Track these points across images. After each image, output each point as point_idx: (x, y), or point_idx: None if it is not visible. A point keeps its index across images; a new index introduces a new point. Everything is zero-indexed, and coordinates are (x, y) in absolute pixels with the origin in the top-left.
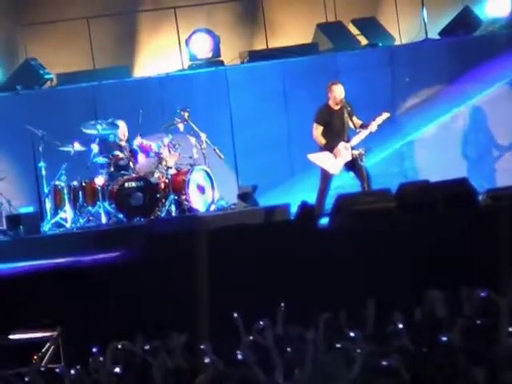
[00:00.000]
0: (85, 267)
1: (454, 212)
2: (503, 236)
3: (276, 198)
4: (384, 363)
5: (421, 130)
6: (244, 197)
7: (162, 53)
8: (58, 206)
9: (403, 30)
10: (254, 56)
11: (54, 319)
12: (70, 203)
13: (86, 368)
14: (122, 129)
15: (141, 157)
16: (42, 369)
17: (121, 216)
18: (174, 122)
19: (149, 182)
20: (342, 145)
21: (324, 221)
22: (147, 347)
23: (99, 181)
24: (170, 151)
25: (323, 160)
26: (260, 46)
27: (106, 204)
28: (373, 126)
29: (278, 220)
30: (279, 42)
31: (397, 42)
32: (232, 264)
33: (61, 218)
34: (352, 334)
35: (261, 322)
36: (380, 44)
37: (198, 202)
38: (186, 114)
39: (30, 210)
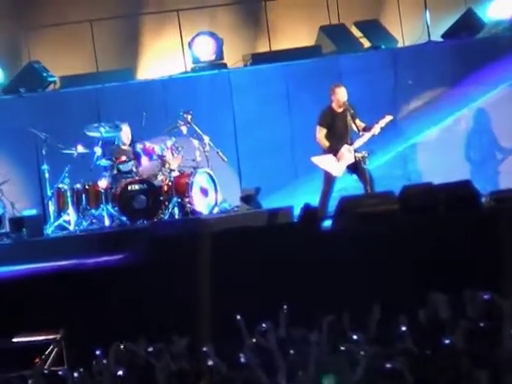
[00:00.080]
0: (88, 270)
1: (457, 214)
2: (506, 238)
3: (279, 200)
4: (388, 365)
5: (424, 133)
6: (247, 199)
7: (165, 55)
8: (61, 209)
9: (406, 33)
10: (257, 59)
11: (57, 322)
12: (73, 206)
13: (90, 371)
14: (126, 132)
15: (144, 160)
16: (45, 371)
17: (124, 219)
18: (177, 124)
19: (152, 185)
20: (345, 147)
21: (327, 223)
22: (151, 349)
23: (102, 183)
24: (173, 154)
25: (326, 162)
26: (263, 48)
27: (110, 207)
28: (376, 129)
29: (281, 222)
30: (282, 44)
31: (400, 45)
32: (235, 266)
33: (64, 221)
34: (355, 337)
35: (263, 325)
36: (383, 46)
37: (201, 204)
38: (189, 117)
39: (33, 212)
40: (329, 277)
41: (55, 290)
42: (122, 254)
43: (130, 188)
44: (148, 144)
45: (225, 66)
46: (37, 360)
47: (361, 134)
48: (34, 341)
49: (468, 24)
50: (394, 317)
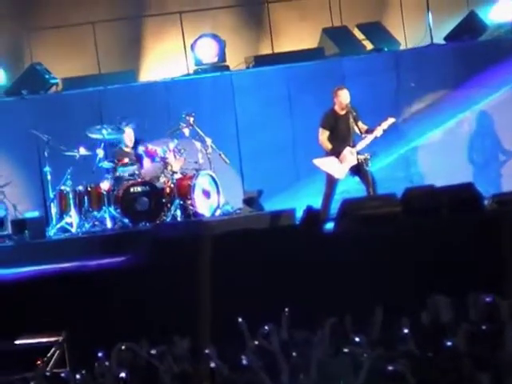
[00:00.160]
0: (90, 272)
1: (459, 217)
2: (509, 241)
3: (281, 202)
4: (390, 368)
5: (426, 135)
6: (249, 201)
7: (167, 57)
8: (63, 211)
9: (408, 35)
10: (260, 61)
11: (59, 324)
12: (76, 208)
13: (92, 373)
14: (129, 134)
15: (146, 162)
16: (48, 374)
17: (126, 221)
18: (179, 126)
19: (154, 187)
20: (347, 150)
21: (329, 225)
22: (153, 352)
23: (105, 185)
24: (175, 156)
25: (329, 165)
26: (265, 50)
27: (112, 209)
28: (378, 131)
29: (284, 225)
30: (285, 46)
31: (402, 47)
32: (237, 269)
33: (66, 223)
34: (357, 339)
35: (266, 327)
36: (385, 49)
37: (204, 206)
38: (192, 119)
39: (36, 214)
40: (331, 279)
41: (57, 292)
42: (124, 256)
43: (132, 190)
44: (150, 146)
45: (227, 68)
46: (39, 362)
47: (363, 136)
48: (37, 343)
49: (470, 27)
50: (397, 319)
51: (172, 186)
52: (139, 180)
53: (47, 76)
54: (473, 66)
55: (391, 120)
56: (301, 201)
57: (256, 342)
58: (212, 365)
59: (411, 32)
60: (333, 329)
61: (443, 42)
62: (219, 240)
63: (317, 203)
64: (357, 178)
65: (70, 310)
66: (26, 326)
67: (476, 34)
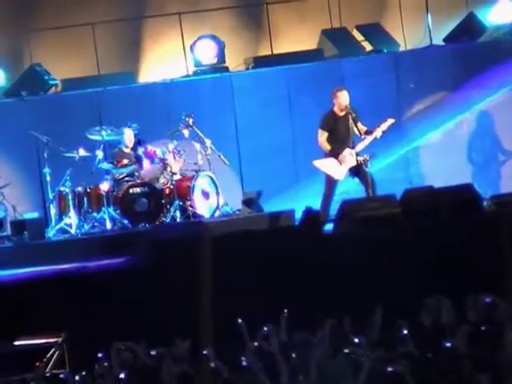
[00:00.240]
0: (90, 273)
1: (458, 218)
2: (508, 242)
3: (281, 203)
4: (389, 369)
5: (426, 136)
6: (249, 203)
7: (166, 59)
8: (62, 212)
9: (408, 36)
10: (259, 62)
11: (59, 325)
12: (75, 209)
13: (91, 373)
14: (128, 135)
15: (146, 163)
16: (47, 374)
17: (125, 222)
18: (178, 127)
19: (154, 188)
20: (347, 151)
21: (329, 227)
22: (153, 353)
23: (104, 187)
24: (174, 157)
25: (328, 166)
26: (265, 51)
27: (111, 210)
28: (377, 132)
29: (283, 226)
30: (284, 48)
31: (401, 48)
32: (236, 270)
33: (65, 224)
34: (357, 340)
35: (265, 328)
36: (385, 50)
37: (203, 207)
38: (191, 120)
39: (35, 215)
40: (330, 280)
41: (57, 293)
42: (124, 257)
43: (131, 191)
44: (150, 147)
45: (226, 69)
46: (38, 363)
47: (362, 137)
48: (36, 344)
49: (469, 28)
50: (396, 320)
51: (171, 187)
52: (139, 181)
53: (47, 77)
54: (472, 67)
55: (390, 121)
56: (300, 202)
57: (256, 343)
58: (212, 366)
59: (410, 33)
60: (332, 330)
61: (442, 43)
62: (218, 241)
63: (316, 204)
64: (356, 179)
65: (70, 311)
66: (26, 326)
67: (475, 35)
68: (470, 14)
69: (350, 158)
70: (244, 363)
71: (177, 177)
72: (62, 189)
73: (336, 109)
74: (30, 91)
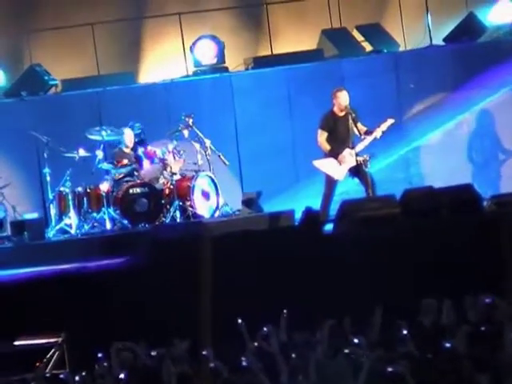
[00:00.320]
0: (89, 273)
1: (458, 218)
2: (507, 242)
3: (281, 204)
4: (389, 369)
5: (426, 137)
6: (248, 203)
7: (166, 59)
8: (62, 212)
9: (408, 37)
10: (259, 62)
11: (59, 325)
12: (75, 209)
13: (91, 374)
14: (128, 135)
15: (146, 163)
16: (47, 375)
17: (125, 222)
18: (178, 128)
19: (153, 188)
20: (346, 151)
21: (328, 227)
22: (153, 353)
23: (104, 187)
24: (174, 157)
25: (328, 166)
26: (265, 52)
27: (111, 210)
28: (377, 133)
29: (283, 226)
30: (284, 48)
31: (401, 49)
32: (236, 270)
33: (65, 224)
34: (357, 341)
35: (265, 329)
36: (385, 50)
37: (203, 208)
38: (191, 120)
39: (35, 216)
40: (330, 280)
41: (57, 293)
42: (124, 257)
43: (131, 191)
44: (150, 147)
45: (226, 69)
46: (38, 363)
47: (362, 137)
48: (36, 344)
49: (469, 28)
50: (396, 320)
51: (171, 187)
52: (138, 181)
53: (46, 77)
54: (472, 67)
55: (390, 121)
56: (300, 202)
57: (255, 344)
58: (211, 366)
59: (410, 33)
60: (332, 330)
61: (442, 43)
62: (218, 241)
63: (316, 204)
64: (356, 180)
65: (70, 312)
66: (26, 327)
67: (475, 35)
68: (469, 14)
69: (349, 158)
70: (244, 363)
71: (177, 177)
72: (61, 189)
73: (336, 109)
74: (30, 91)
